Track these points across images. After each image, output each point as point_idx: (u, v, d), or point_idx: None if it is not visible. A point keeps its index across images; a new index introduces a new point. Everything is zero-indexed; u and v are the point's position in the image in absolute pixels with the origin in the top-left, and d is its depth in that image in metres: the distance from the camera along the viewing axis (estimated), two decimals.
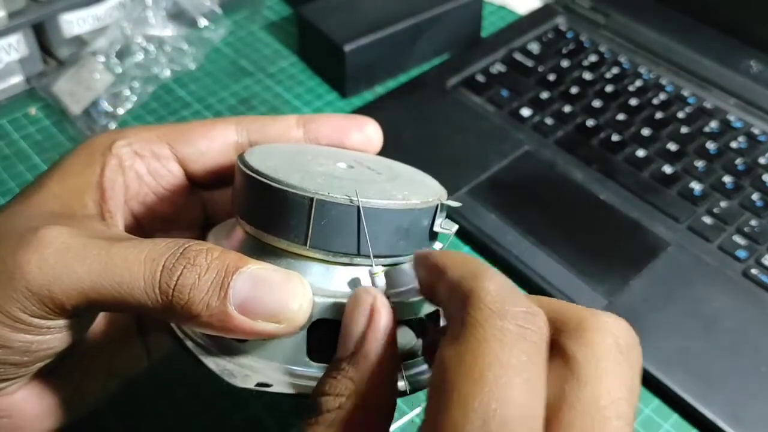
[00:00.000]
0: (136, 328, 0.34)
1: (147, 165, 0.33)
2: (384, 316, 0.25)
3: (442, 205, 0.29)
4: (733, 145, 0.56)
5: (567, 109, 0.59)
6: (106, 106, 0.58)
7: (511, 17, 0.70)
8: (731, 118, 0.58)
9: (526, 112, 0.58)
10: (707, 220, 0.50)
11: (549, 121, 0.57)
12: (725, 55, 0.61)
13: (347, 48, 0.59)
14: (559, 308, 0.24)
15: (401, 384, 0.27)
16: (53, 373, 0.30)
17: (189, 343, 0.28)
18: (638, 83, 0.61)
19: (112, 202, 0.31)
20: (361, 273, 0.28)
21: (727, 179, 0.53)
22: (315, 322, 0.27)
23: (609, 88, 0.60)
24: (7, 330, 0.26)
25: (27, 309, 0.26)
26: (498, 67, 0.62)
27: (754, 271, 0.47)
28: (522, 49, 0.64)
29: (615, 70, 0.62)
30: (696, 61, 0.62)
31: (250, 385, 0.26)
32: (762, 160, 0.55)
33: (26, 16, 0.56)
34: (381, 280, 0.27)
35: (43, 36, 0.60)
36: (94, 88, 0.57)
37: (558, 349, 0.23)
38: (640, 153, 0.55)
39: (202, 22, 0.65)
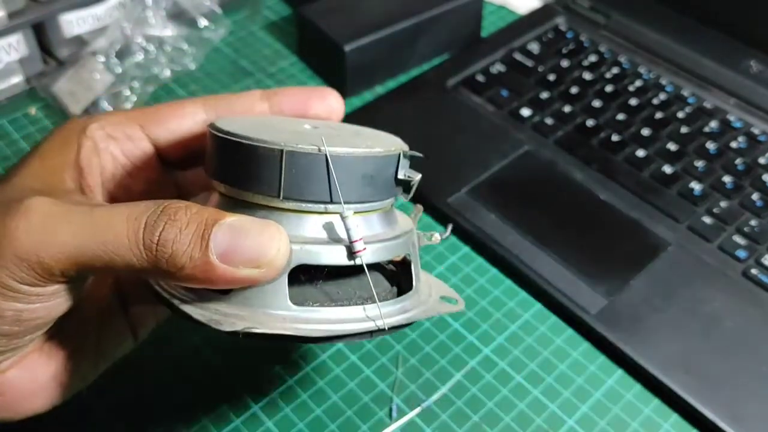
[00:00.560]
0: (118, 305, 0.35)
1: (121, 147, 0.34)
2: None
3: (404, 152, 0.31)
4: (733, 145, 0.56)
5: (567, 109, 0.59)
6: (106, 106, 0.58)
7: (511, 17, 0.70)
8: (731, 118, 0.58)
9: (526, 112, 0.58)
10: (707, 220, 0.50)
11: (549, 121, 0.57)
12: (725, 55, 0.61)
13: (347, 48, 0.59)
14: None
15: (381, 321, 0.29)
16: (44, 352, 0.31)
17: (174, 301, 0.29)
18: (638, 83, 0.61)
19: (90, 178, 0.32)
20: (334, 219, 0.29)
21: (727, 179, 0.53)
22: (294, 269, 0.28)
23: (609, 88, 0.60)
24: None
25: (16, 276, 0.26)
26: (498, 67, 0.62)
27: (754, 271, 0.47)
28: (522, 49, 0.64)
29: (615, 70, 0.62)
30: (696, 61, 0.62)
31: (237, 329, 0.26)
32: (762, 160, 0.55)
33: (26, 16, 0.56)
34: (353, 225, 0.28)
35: (43, 36, 0.59)
36: (94, 88, 0.57)
37: None
38: (640, 153, 0.55)
39: (202, 22, 0.65)
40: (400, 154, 0.31)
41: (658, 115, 0.58)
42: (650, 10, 0.65)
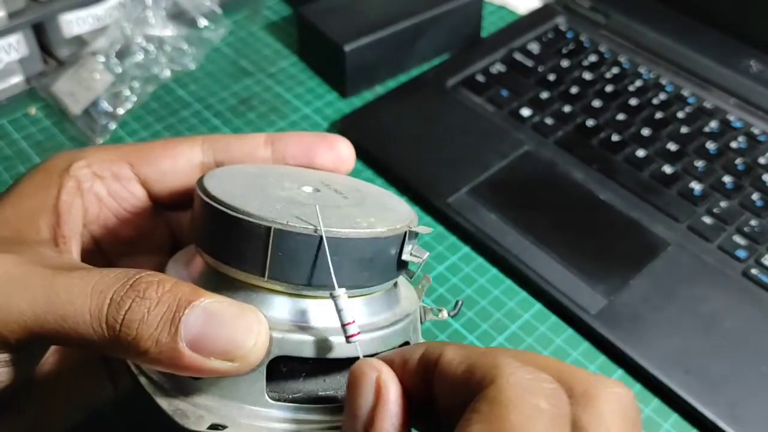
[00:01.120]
0: (99, 356, 0.32)
1: (107, 186, 0.32)
2: (393, 392, 0.23)
3: (410, 232, 0.27)
4: (733, 145, 0.56)
5: (567, 109, 0.59)
6: (106, 106, 0.58)
7: (511, 17, 0.70)
8: (731, 118, 0.58)
9: (526, 112, 0.58)
10: (707, 220, 0.50)
11: (549, 121, 0.57)
12: (725, 55, 0.61)
13: (347, 48, 0.59)
14: (561, 372, 0.23)
15: None
16: (7, 407, 0.29)
17: (142, 379, 0.26)
18: (638, 83, 0.61)
19: (67, 227, 0.30)
20: (324, 303, 0.26)
21: (727, 179, 0.53)
22: (275, 359, 0.25)
23: (609, 88, 0.60)
24: None
25: None
26: (498, 67, 0.62)
27: (754, 271, 0.47)
28: (522, 49, 0.64)
29: (615, 70, 0.62)
30: (696, 61, 0.62)
31: (202, 427, 0.24)
32: (762, 160, 0.55)
33: (26, 16, 0.56)
34: (346, 310, 0.25)
35: (43, 36, 0.60)
36: (94, 88, 0.58)
37: None
38: (640, 153, 0.55)
39: (202, 22, 0.65)
40: (405, 234, 0.27)
41: (658, 115, 0.58)
42: (650, 10, 0.65)
